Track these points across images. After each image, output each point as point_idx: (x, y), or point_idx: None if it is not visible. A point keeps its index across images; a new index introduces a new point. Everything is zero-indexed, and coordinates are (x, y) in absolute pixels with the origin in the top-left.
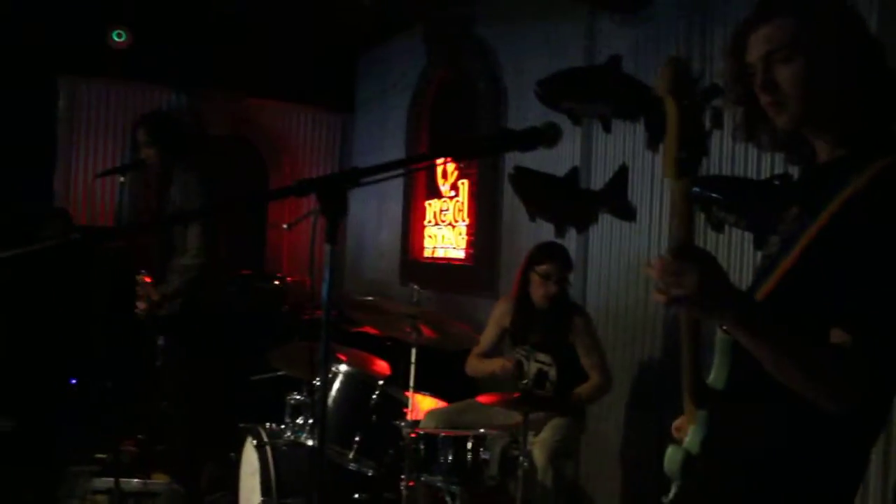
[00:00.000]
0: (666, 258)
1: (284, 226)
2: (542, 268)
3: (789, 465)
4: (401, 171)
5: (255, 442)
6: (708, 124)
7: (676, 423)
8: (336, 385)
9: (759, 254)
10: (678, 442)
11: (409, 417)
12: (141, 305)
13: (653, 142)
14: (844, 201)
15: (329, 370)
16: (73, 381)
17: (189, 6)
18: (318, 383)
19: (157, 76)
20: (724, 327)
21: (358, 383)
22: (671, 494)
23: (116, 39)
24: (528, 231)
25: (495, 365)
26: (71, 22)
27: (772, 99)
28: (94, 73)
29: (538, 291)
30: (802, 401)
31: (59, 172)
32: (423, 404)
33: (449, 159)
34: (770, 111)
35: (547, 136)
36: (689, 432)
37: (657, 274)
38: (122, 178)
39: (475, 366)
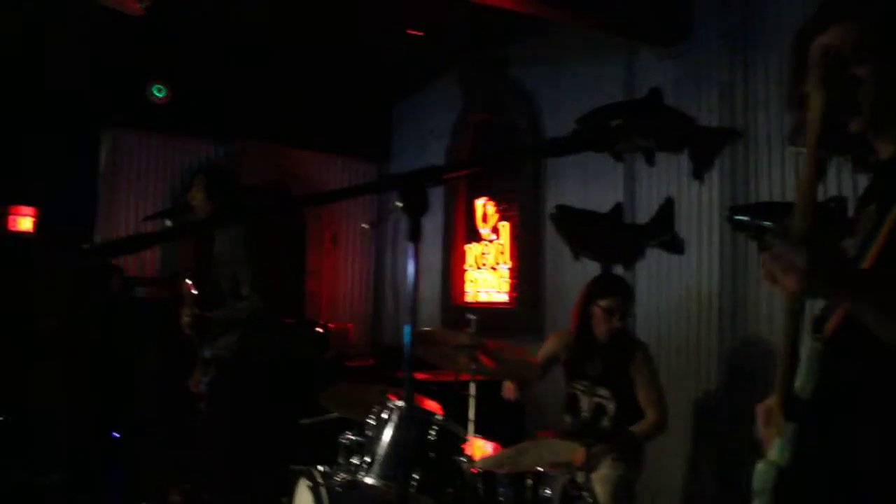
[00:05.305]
0: (776, 244)
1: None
2: (605, 302)
3: (883, 484)
4: (471, 168)
5: (309, 483)
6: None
7: (764, 404)
8: (392, 422)
9: None
10: (764, 456)
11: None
12: (185, 314)
13: (698, 172)
14: None
15: (409, 397)
16: (116, 435)
17: (227, 60)
18: (372, 421)
19: (196, 129)
20: (818, 335)
21: (415, 419)
22: None
23: (157, 94)
24: (572, 271)
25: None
26: (113, 78)
27: (846, 102)
28: (135, 127)
29: (601, 327)
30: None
31: (101, 225)
32: (477, 451)
33: (491, 203)
34: (842, 114)
35: (593, 140)
36: (776, 445)
37: (770, 260)
38: (168, 222)
39: None
